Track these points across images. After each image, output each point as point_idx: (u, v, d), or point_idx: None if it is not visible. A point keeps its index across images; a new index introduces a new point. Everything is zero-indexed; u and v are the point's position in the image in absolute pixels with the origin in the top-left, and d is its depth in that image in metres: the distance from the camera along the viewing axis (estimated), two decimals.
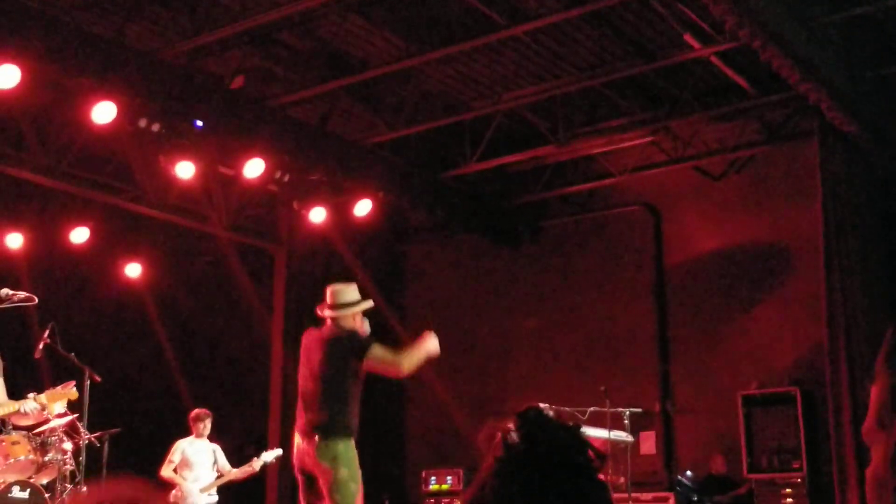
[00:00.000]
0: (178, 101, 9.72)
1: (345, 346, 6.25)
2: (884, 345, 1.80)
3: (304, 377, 6.37)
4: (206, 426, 10.09)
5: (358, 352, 6.19)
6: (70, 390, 7.54)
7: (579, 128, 11.65)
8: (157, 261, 13.17)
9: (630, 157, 12.48)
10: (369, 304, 6.59)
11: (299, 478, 6.29)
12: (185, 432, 10.15)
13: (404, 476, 13.58)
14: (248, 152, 10.50)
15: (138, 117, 9.41)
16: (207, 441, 10.15)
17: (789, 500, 10.36)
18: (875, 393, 1.77)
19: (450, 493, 11.83)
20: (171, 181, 10.82)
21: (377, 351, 6.21)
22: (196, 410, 10.25)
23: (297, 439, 6.30)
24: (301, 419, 6.30)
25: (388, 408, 14.35)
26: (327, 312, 6.45)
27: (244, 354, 14.40)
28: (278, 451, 10.17)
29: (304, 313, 13.04)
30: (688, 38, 9.49)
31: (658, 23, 9.73)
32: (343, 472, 6.04)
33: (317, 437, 6.09)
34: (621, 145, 12.18)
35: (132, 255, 12.86)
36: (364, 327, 6.48)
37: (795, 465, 10.47)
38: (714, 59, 10.02)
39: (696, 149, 12.20)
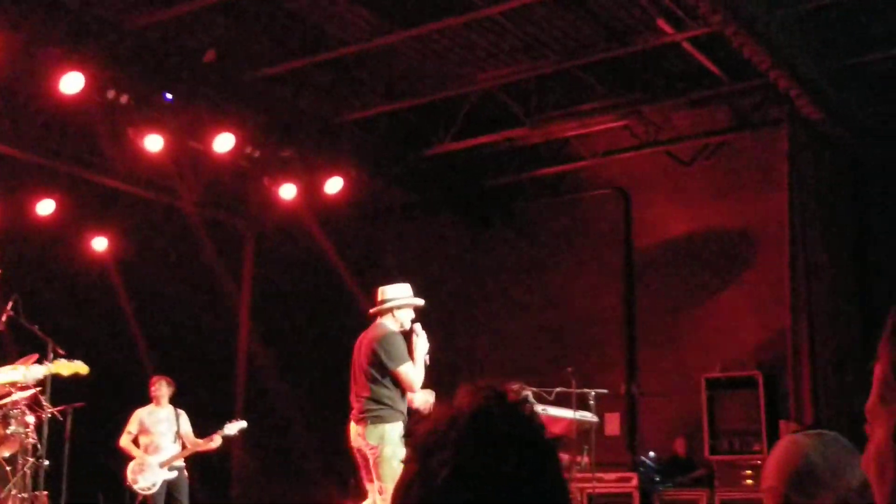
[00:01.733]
0: (148, 73, 9.65)
1: (381, 347, 6.83)
2: (887, 325, 1.84)
3: (354, 369, 7.01)
4: (164, 392, 9.93)
5: (391, 360, 6.80)
6: (79, 364, 7.46)
7: (552, 110, 11.66)
8: (124, 235, 13.06)
9: (602, 141, 12.52)
10: (414, 302, 7.18)
11: (356, 458, 6.97)
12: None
13: None
14: (219, 127, 10.43)
15: (107, 88, 9.32)
16: (171, 408, 9.99)
17: (749, 481, 10.48)
18: (878, 371, 1.81)
19: None
20: (140, 154, 10.73)
21: (405, 369, 6.82)
22: (154, 377, 10.11)
23: (353, 424, 6.96)
24: (354, 407, 6.98)
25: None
26: (372, 310, 7.10)
27: (211, 331, 14.35)
28: (242, 424, 10.02)
29: (272, 290, 13.04)
30: (661, 23, 9.51)
31: (632, 7, 9.73)
32: (387, 450, 6.66)
33: (366, 422, 6.76)
34: (594, 129, 12.20)
35: (99, 228, 12.75)
36: (407, 326, 7.04)
37: (756, 448, 10.58)
38: (686, 44, 10.05)
39: (667, 134, 12.24)
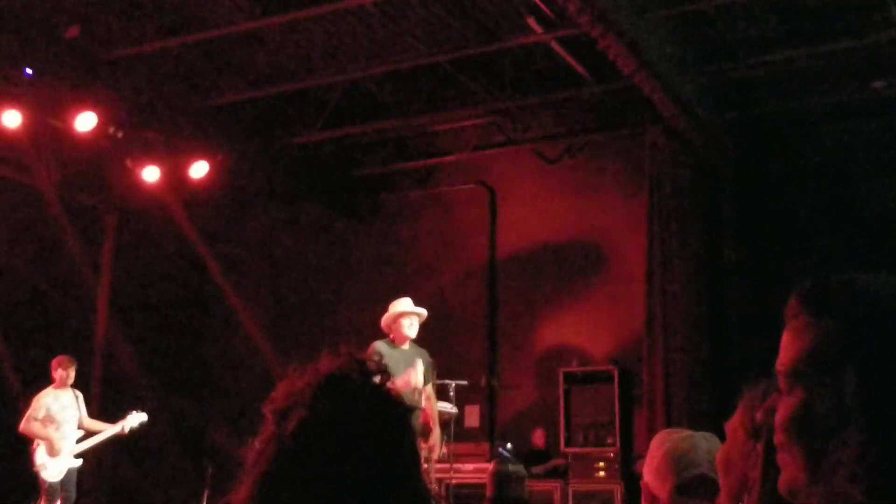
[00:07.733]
0: (7, 46, 9.31)
1: None
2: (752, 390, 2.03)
3: None
4: (71, 376, 9.52)
5: None
6: None
7: (423, 103, 11.74)
8: None
9: (470, 136, 12.66)
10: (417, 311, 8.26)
11: None
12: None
13: (233, 446, 13.42)
14: (81, 105, 10.13)
15: None
16: (72, 391, 9.57)
17: (601, 473, 10.78)
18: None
19: None
20: None
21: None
22: (59, 357, 9.63)
23: None
24: None
25: (221, 376, 14.18)
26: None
27: (68, 317, 13.90)
28: (143, 417, 9.68)
29: (134, 276, 12.72)
30: (531, 21, 9.69)
31: (503, 5, 9.88)
32: None
33: None
34: (462, 123, 12.34)
35: None
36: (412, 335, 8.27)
37: (609, 441, 10.89)
38: (555, 44, 10.25)
39: (534, 132, 12.46)
